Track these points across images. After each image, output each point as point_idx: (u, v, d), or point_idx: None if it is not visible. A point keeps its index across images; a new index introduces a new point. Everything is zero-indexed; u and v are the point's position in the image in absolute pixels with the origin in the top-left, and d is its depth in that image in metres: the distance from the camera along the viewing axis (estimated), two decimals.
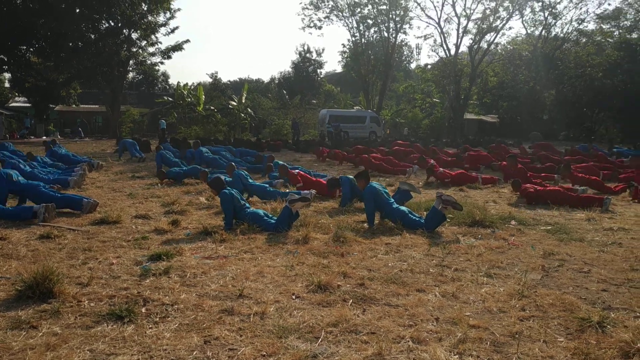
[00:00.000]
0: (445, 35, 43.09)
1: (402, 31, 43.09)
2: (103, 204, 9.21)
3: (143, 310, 4.10)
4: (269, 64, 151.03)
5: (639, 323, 3.94)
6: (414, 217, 7.53)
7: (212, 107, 41.01)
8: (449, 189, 11.96)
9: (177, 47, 36.17)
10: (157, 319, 3.93)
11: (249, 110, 43.07)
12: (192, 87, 44.63)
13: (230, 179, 10.68)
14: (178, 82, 43.67)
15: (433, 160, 15.63)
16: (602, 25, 48.45)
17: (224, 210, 7.42)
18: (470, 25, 41.04)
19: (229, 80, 65.33)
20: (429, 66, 49.41)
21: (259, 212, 7.43)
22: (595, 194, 10.99)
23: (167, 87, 62.44)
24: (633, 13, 49.22)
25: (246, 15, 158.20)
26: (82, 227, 7.42)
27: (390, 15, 41.44)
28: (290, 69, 63.13)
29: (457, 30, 40.99)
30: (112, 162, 17.50)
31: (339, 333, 3.73)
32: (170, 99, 43.22)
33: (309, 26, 42.38)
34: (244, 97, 42.42)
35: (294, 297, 4.48)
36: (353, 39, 43.90)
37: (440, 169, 13.40)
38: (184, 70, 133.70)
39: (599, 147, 23.29)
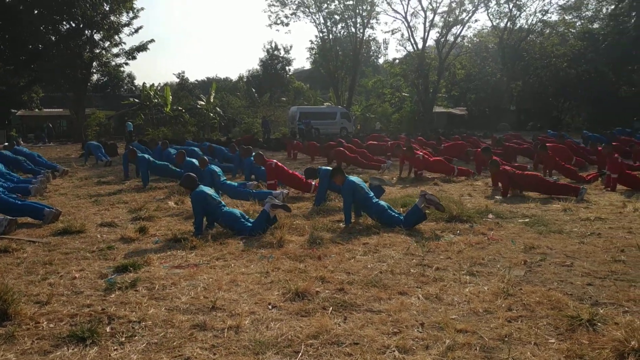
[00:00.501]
0: (413, 29, 43.07)
1: (369, 26, 42.93)
2: (66, 212, 8.80)
3: (107, 329, 3.80)
4: (237, 62, 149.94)
5: (629, 319, 3.80)
6: (393, 213, 7.32)
7: (180, 108, 40.30)
8: (425, 185, 11.83)
9: (142, 48, 35.40)
10: (123, 339, 3.63)
11: (218, 109, 42.48)
12: (159, 87, 43.88)
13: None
14: (144, 83, 42.86)
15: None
16: (564, 16, 49.21)
17: (194, 213, 7.09)
18: (437, 18, 41.20)
19: (197, 80, 64.58)
20: (397, 61, 49.59)
21: (235, 212, 7.11)
22: (570, 183, 10.99)
23: (133, 89, 61.17)
24: (594, 3, 50.22)
25: (212, 13, 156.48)
26: (43, 238, 7.01)
27: (357, 11, 41.27)
28: (258, 67, 62.65)
29: (424, 24, 41.03)
30: (77, 168, 16.92)
31: (320, 346, 3.49)
32: (137, 100, 42.25)
33: (275, 23, 41.92)
34: (212, 97, 41.78)
35: (270, 307, 4.22)
36: (320, 35, 43.63)
37: (420, 153, 13.25)
38: (150, 71, 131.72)
39: (568, 135, 23.60)
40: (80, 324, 3.87)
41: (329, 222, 7.71)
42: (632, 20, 42.42)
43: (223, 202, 7.25)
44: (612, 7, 48.14)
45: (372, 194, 7.57)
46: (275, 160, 10.63)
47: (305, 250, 6.01)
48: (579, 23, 50.45)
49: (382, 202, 7.52)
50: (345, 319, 3.96)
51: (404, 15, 41.02)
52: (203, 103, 41.50)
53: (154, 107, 40.53)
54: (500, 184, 10.87)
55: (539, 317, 3.94)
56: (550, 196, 9.85)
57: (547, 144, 14.81)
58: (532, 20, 47.97)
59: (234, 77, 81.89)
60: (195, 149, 15.21)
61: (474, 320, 3.90)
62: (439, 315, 3.98)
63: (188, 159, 11.70)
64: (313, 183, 10.17)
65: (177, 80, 53.77)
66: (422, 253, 5.81)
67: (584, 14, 50.92)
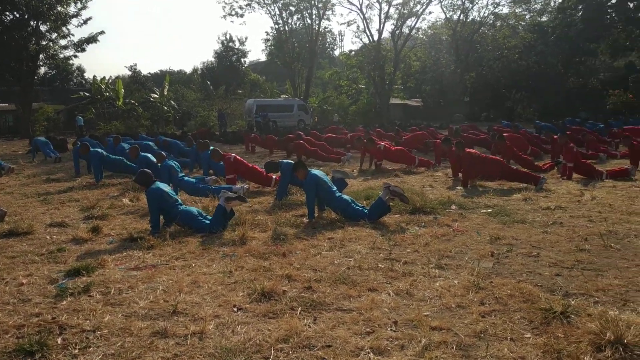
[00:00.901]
0: (368, 21, 43.33)
1: (325, 18, 42.85)
2: (12, 213, 8.30)
3: (59, 340, 3.50)
4: (191, 54, 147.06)
5: (601, 310, 3.76)
6: (357, 207, 7.19)
7: (132, 101, 39.13)
8: (387, 176, 11.77)
9: (92, 39, 34.15)
10: (76, 351, 3.35)
11: (172, 102, 41.47)
12: (110, 80, 42.46)
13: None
14: (94, 76, 41.34)
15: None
16: (515, 9, 50.27)
17: (150, 210, 6.76)
18: (392, 10, 41.34)
19: (149, 73, 62.91)
20: (352, 52, 49.58)
21: (192, 211, 6.82)
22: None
23: (83, 82, 59.04)
24: None
25: (164, 4, 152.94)
26: None
27: (313, 2, 41.02)
28: (213, 59, 61.53)
29: (379, 16, 41.23)
30: (24, 165, 16.15)
31: (290, 350, 3.30)
32: (87, 94, 40.77)
33: (230, 14, 41.22)
34: (166, 89, 40.74)
35: (235, 309, 4.00)
36: (276, 26, 43.19)
37: (381, 143, 13.15)
38: (100, 64, 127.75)
39: (521, 125, 24.09)
40: (28, 335, 3.56)
41: (291, 217, 7.51)
42: (579, 14, 43.66)
43: (180, 200, 6.94)
44: (560, 0, 49.59)
45: (335, 187, 7.41)
46: (233, 154, 10.34)
47: (269, 247, 5.80)
48: (528, 16, 51.68)
49: (346, 196, 7.37)
50: (315, 319, 3.79)
51: (359, 7, 41.08)
52: (157, 96, 40.46)
53: (105, 100, 39.24)
54: (460, 175, 10.93)
55: (512, 310, 3.86)
56: (510, 186, 9.95)
57: (504, 134, 15.01)
58: (484, 12, 48.84)
59: (188, 69, 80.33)
60: (150, 143, 14.68)
61: (447, 316, 3.79)
62: (412, 312, 3.85)
63: (143, 154, 11.23)
64: (274, 177, 9.96)
65: (129, 73, 52.23)
66: (388, 247, 5.69)
67: (532, 7, 52.24)
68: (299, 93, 43.78)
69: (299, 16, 42.55)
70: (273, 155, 17.93)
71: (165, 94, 40.53)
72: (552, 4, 51.61)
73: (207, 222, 6.60)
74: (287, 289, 4.39)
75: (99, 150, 12.03)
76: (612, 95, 42.55)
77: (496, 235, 6.10)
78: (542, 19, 50.00)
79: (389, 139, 17.90)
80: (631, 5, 40.67)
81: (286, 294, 4.29)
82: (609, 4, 42.25)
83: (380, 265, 5.04)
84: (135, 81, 48.01)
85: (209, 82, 49.30)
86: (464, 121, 40.30)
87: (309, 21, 42.31)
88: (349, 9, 54.76)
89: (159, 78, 52.96)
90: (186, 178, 9.61)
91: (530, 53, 47.52)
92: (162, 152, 10.97)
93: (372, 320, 3.71)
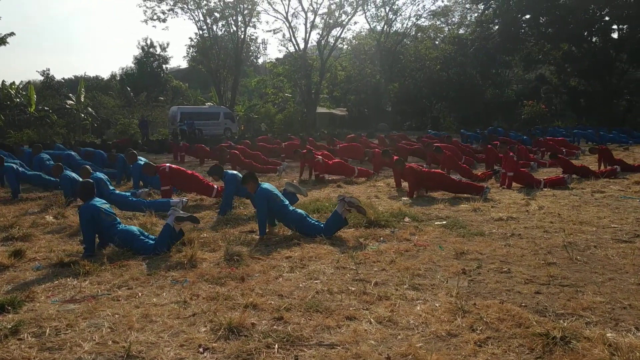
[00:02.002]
0: (294, 29, 43.11)
1: (251, 25, 42.20)
2: None
3: None
4: (108, 60, 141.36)
5: (599, 333, 3.54)
6: (312, 222, 6.76)
7: (46, 108, 36.70)
8: (329, 187, 11.43)
9: (0, 41, 31.76)
10: None
11: (90, 109, 39.30)
12: (21, 86, 39.59)
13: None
14: (3, 81, 38.35)
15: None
16: (434, 21, 51.89)
17: (83, 230, 5.99)
18: (318, 20, 41.38)
19: (64, 78, 59.56)
20: (275, 60, 49.28)
21: (133, 230, 6.11)
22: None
23: None
24: (460, 10, 53.57)
25: (79, 6, 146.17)
26: None
27: (238, 9, 40.32)
28: (133, 65, 59.09)
29: (305, 24, 41.07)
30: None
31: None
32: None
33: (152, 19, 39.68)
34: (82, 96, 38.53)
35: (201, 350, 3.45)
36: (200, 32, 42.05)
37: (319, 156, 12.76)
38: (9, 68, 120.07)
39: (446, 134, 24.59)
40: None
41: (239, 233, 6.98)
42: (496, 27, 45.62)
43: (118, 219, 6.20)
44: (476, 14, 51.73)
45: (287, 201, 6.94)
46: (168, 164, 9.61)
47: (223, 269, 5.24)
48: (447, 28, 53.56)
49: (299, 210, 6.91)
50: (297, 359, 3.31)
51: (284, 15, 40.70)
52: (72, 103, 38.17)
53: (15, 107, 36.53)
54: (403, 185, 10.79)
55: (507, 337, 3.56)
56: (456, 196, 9.88)
57: (439, 145, 15.13)
58: (407, 24, 50.07)
59: (105, 75, 76.91)
60: (72, 153, 13.43)
61: (443, 347, 3.43)
62: (402, 344, 3.46)
63: (67, 173, 9.99)
64: (215, 187, 9.34)
65: (42, 78, 48.98)
66: (354, 266, 5.30)
67: (450, 20, 54.20)
68: (225, 101, 42.81)
69: (224, 22, 41.65)
70: (203, 165, 17.17)
71: (82, 100, 38.32)
72: (469, 17, 53.88)
73: (151, 242, 5.93)
74: (256, 321, 3.88)
75: (14, 165, 10.81)
76: (527, 106, 44.82)
77: (460, 250, 5.86)
78: (460, 32, 51.90)
79: (321, 148, 17.62)
80: (542, 20, 42.90)
81: (256, 327, 3.78)
82: (522, 18, 44.40)
83: (351, 288, 4.63)
84: (49, 87, 45.14)
85: (129, 89, 47.19)
86: (389, 130, 40.94)
87: (235, 28, 41.57)
88: (274, 16, 54.43)
89: (74, 84, 50.07)
90: (117, 192, 8.80)
91: (450, 64, 49.15)
92: (87, 165, 9.98)
93: (362, 357, 3.29)
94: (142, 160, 10.52)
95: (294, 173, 14.63)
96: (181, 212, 6.13)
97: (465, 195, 9.86)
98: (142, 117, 35.52)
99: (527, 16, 44.19)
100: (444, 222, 7.44)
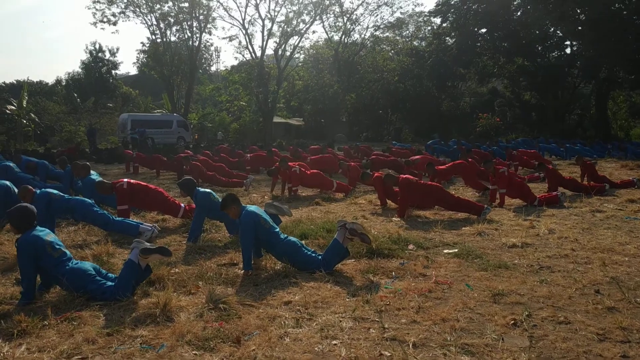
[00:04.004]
0: (250, 37, 41.83)
1: (206, 31, 40.65)
2: None
3: None
4: (53, 64, 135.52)
5: None
6: (308, 252, 5.61)
7: None
8: (306, 205, 10.30)
9: None
10: None
11: (33, 115, 36.73)
12: None
13: None
14: None
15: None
16: (387, 33, 51.76)
17: (21, 270, 4.60)
18: (275, 27, 40.32)
19: (4, 82, 56.04)
20: (228, 68, 47.90)
21: (86, 268, 4.75)
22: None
23: None
24: (414, 23, 53.71)
25: (21, 7, 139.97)
26: None
27: (193, 14, 38.79)
28: (80, 69, 56.14)
29: (262, 32, 39.92)
30: None
31: None
32: None
33: (101, 21, 37.64)
34: (25, 101, 35.96)
35: None
36: (153, 37, 40.22)
37: (296, 166, 11.59)
38: None
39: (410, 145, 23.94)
40: None
41: (217, 267, 5.76)
42: (453, 40, 45.74)
43: (69, 253, 4.85)
44: (429, 27, 51.97)
45: (277, 227, 5.77)
46: (126, 180, 8.23)
47: (208, 323, 4.03)
48: (400, 40, 53.54)
49: (292, 238, 5.73)
50: None
51: (241, 22, 39.47)
52: (14, 108, 35.56)
53: None
54: (390, 203, 9.82)
55: None
56: (450, 216, 8.96)
57: (417, 157, 14.31)
58: (365, 34, 49.67)
59: (50, 80, 73.17)
60: (9, 164, 11.57)
61: None
62: None
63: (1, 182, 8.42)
64: (182, 206, 8.07)
65: None
66: (376, 316, 4.20)
67: (404, 33, 54.24)
68: (178, 108, 41.03)
69: (178, 27, 39.99)
70: (159, 178, 15.73)
71: (25, 106, 35.76)
72: (422, 31, 54.01)
73: (109, 283, 4.62)
74: None
75: None
76: (482, 119, 45.05)
77: (492, 289, 4.86)
78: (415, 44, 51.98)
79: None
80: (497, 34, 43.27)
81: None
82: (478, 32, 44.69)
83: (385, 353, 3.51)
84: None
85: (75, 95, 44.65)
86: (346, 141, 40.20)
87: (189, 34, 39.97)
88: (230, 23, 53.20)
89: (16, 89, 47.05)
90: (77, 197, 7.40)
91: (407, 76, 49.03)
92: (27, 185, 8.31)
93: None
94: (94, 175, 9.10)
95: (261, 187, 13.44)
96: (147, 243, 4.86)
97: (458, 214, 8.98)
98: (89, 125, 33.39)
99: (483, 30, 44.53)
100: (456, 251, 6.43)
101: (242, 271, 5.47)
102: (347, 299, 4.63)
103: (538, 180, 13.93)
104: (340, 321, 4.08)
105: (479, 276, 5.37)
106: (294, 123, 53.82)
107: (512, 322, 4.08)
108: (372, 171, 13.30)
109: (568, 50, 43.61)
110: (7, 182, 8.27)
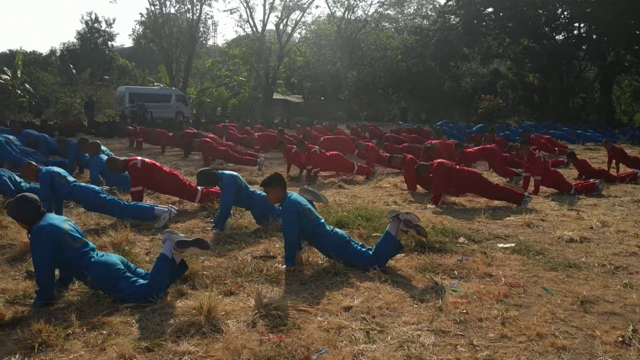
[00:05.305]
0: (252, 10, 40.74)
1: (206, 3, 39.47)
2: None
3: None
4: (46, 34, 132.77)
5: None
6: (357, 246, 4.96)
7: None
8: (329, 189, 9.63)
9: None
10: None
11: (27, 86, 35.61)
12: None
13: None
14: None
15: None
16: (389, 11, 50.70)
17: (36, 264, 3.87)
18: (277, 1, 39.21)
19: None
20: (227, 42, 46.76)
21: (114, 262, 4.05)
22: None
23: None
24: (416, 1, 52.62)
25: None
26: None
27: None
28: (75, 40, 54.71)
29: (264, 6, 38.85)
30: None
31: None
32: None
33: None
34: (19, 71, 34.79)
35: None
36: (152, 8, 39.00)
37: (315, 147, 10.88)
38: None
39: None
40: None
41: (250, 258, 5.11)
42: (458, 19, 44.71)
43: (91, 243, 4.19)
44: (431, 6, 50.94)
45: (322, 219, 5.09)
46: (140, 158, 7.50)
47: (264, 335, 3.39)
48: (401, 19, 52.47)
49: (339, 231, 5.06)
50: None
51: None
52: (7, 78, 34.41)
53: None
54: (420, 187, 9.20)
55: None
56: (486, 203, 8.33)
57: (436, 141, 13.65)
58: (369, 11, 48.56)
59: (42, 50, 71.43)
60: (11, 137, 10.65)
61: None
62: None
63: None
64: (200, 189, 7.38)
65: None
66: (458, 328, 3.57)
67: (405, 11, 53.14)
68: (176, 82, 39.98)
69: None
70: (164, 154, 15.01)
71: (19, 76, 34.60)
72: (423, 10, 52.94)
73: (141, 281, 3.96)
74: None
75: None
76: (484, 100, 44.26)
77: (576, 295, 4.25)
78: (416, 21, 50.96)
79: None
80: (502, 14, 42.32)
81: None
82: (484, 12, 43.71)
83: None
84: None
85: (71, 66, 43.42)
86: (347, 120, 39.39)
87: (189, 6, 38.80)
88: None
89: (8, 58, 45.70)
90: (82, 184, 6.66)
91: (410, 55, 48.06)
92: (29, 160, 7.53)
93: None
94: (106, 152, 8.39)
95: (273, 167, 12.76)
96: (181, 234, 4.18)
97: (495, 202, 8.36)
98: (88, 97, 32.33)
99: (490, 9, 43.53)
100: (512, 245, 5.81)
101: (284, 266, 4.82)
102: (415, 305, 4.00)
103: (562, 165, 13.33)
104: (419, 335, 3.45)
105: (552, 277, 4.75)
106: (293, 100, 52.86)
107: (620, 339, 3.48)
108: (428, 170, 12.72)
109: (575, 32, 42.67)
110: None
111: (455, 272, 4.83)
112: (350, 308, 3.91)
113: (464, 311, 3.88)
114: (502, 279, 4.66)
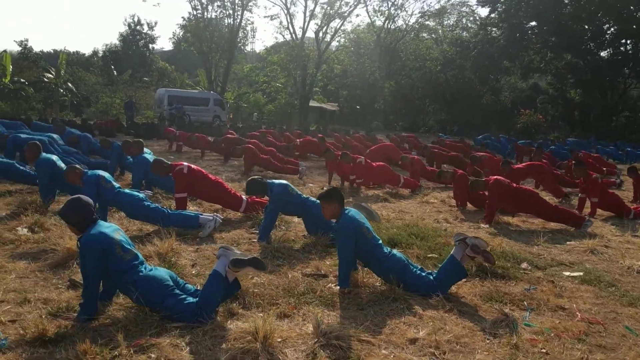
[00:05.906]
0: (292, 17, 40.71)
1: (247, 9, 39.63)
2: None
3: None
4: (89, 35, 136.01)
5: None
6: (417, 271, 4.62)
7: (22, 80, 33.58)
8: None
9: None
10: None
11: (70, 85, 36.24)
12: None
13: None
14: None
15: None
16: (429, 22, 50.12)
17: (84, 274, 3.62)
18: (318, 9, 39.13)
19: (42, 51, 55.77)
20: (266, 48, 46.90)
21: (162, 277, 3.79)
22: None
23: None
24: (456, 13, 51.95)
25: None
26: None
27: None
28: (118, 42, 55.65)
29: (304, 13, 38.82)
30: None
31: None
32: None
33: None
34: (62, 70, 35.45)
35: None
36: (195, 12, 39.35)
37: (361, 158, 10.56)
38: None
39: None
40: None
41: (301, 276, 4.82)
42: (500, 32, 43.91)
43: (140, 255, 3.93)
44: (471, 18, 50.17)
45: (379, 239, 4.76)
46: (186, 163, 7.31)
47: None
48: (440, 30, 51.83)
49: (398, 254, 4.73)
50: None
51: (283, 1, 38.35)
52: (51, 76, 35.07)
53: None
54: (470, 205, 8.79)
55: None
56: (543, 225, 7.87)
57: (478, 154, 13.19)
58: (409, 21, 48.12)
59: (86, 51, 72.93)
60: (54, 136, 10.58)
61: None
62: None
63: (45, 155, 7.34)
64: (245, 198, 7.13)
65: (19, 48, 45.37)
66: None
67: (445, 22, 52.47)
68: (215, 86, 40.19)
69: (219, 3, 39.04)
70: (204, 158, 14.90)
71: (62, 75, 35.25)
72: (464, 21, 52.27)
73: (190, 299, 3.70)
74: None
75: None
76: (524, 115, 43.29)
77: None
78: (455, 32, 50.29)
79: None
80: (545, 28, 41.40)
81: None
82: (527, 26, 42.85)
83: None
84: (26, 58, 41.75)
85: (112, 67, 44.10)
86: (383, 129, 38.99)
87: (231, 11, 39.01)
88: (272, 2, 51.94)
89: (52, 58, 46.63)
90: (126, 191, 6.48)
91: (449, 66, 47.39)
92: (76, 165, 7.33)
93: None
94: (149, 153, 8.23)
95: (314, 176, 12.49)
96: (237, 251, 3.90)
97: (551, 223, 7.89)
98: (128, 98, 32.67)
99: (533, 23, 42.66)
100: (581, 274, 5.37)
101: (337, 287, 4.51)
102: (488, 340, 3.64)
103: (614, 186, 12.73)
104: None
105: (632, 314, 4.33)
106: (329, 108, 52.65)
107: None
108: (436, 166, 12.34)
109: (622, 49, 41.40)
110: (54, 159, 7.37)
111: (525, 303, 4.44)
112: (416, 340, 3.57)
113: (543, 350, 3.50)
114: (578, 313, 4.25)
